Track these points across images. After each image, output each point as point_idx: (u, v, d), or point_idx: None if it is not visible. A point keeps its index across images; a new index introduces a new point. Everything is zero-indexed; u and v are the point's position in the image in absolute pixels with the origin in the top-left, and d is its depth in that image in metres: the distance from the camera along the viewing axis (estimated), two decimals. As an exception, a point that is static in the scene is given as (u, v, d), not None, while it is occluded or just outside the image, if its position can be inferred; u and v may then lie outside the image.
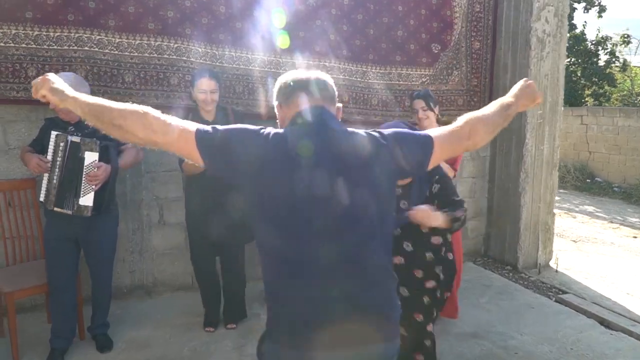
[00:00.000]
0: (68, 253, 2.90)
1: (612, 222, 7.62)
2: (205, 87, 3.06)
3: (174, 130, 1.34)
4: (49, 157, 2.70)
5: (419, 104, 3.34)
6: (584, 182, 10.16)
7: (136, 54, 3.48)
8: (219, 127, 1.39)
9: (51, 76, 1.36)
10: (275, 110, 1.53)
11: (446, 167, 3.33)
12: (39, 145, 2.86)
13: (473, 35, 4.55)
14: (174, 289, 3.92)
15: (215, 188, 3.03)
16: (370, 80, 4.23)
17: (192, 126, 1.37)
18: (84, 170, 2.67)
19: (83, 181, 2.67)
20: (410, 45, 4.30)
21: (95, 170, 2.68)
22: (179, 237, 3.91)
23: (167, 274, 3.91)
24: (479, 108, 4.71)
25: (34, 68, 3.25)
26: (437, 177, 2.43)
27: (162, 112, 1.36)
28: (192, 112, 3.26)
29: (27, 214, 3.22)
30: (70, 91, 1.34)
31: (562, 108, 4.68)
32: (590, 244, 5.98)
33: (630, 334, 3.28)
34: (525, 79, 1.77)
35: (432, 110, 3.34)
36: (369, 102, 4.24)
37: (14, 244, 3.18)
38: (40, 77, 1.34)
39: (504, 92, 4.54)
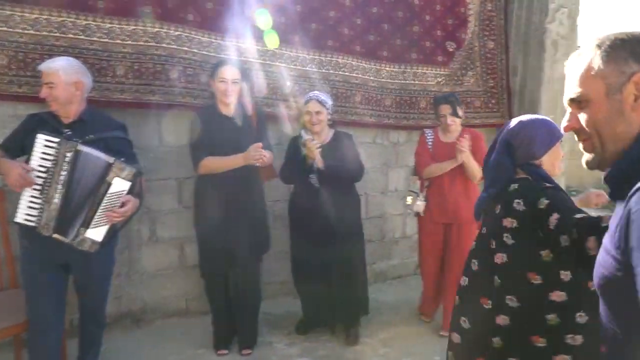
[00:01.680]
0: (55, 283, 2.34)
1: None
2: (227, 76, 2.69)
3: None
4: (33, 163, 2.11)
5: (446, 109, 3.19)
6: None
7: (130, 42, 2.93)
8: None
9: None
10: None
11: (473, 165, 3.08)
12: (17, 148, 2.27)
13: (486, 35, 4.30)
14: (166, 315, 3.40)
15: (234, 191, 2.75)
16: (383, 79, 3.87)
17: None
18: (106, 198, 2.12)
19: (100, 210, 2.12)
20: (426, 42, 3.99)
21: (121, 205, 2.15)
22: (172, 255, 3.38)
23: (158, 298, 3.37)
24: (497, 110, 4.50)
25: (5, 56, 2.63)
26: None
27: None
28: (202, 111, 2.81)
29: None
30: None
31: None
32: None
33: None
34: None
35: (458, 115, 3.20)
36: (382, 103, 3.89)
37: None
38: None
39: (513, 94, 4.40)
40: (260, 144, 2.62)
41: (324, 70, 3.57)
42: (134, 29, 2.93)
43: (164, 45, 3.01)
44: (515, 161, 1.67)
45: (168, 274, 3.39)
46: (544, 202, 1.49)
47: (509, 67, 4.36)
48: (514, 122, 1.74)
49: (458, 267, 3.31)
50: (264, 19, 3.30)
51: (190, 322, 3.34)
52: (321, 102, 2.96)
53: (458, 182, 3.21)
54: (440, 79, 4.12)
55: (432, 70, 4.07)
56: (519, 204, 1.56)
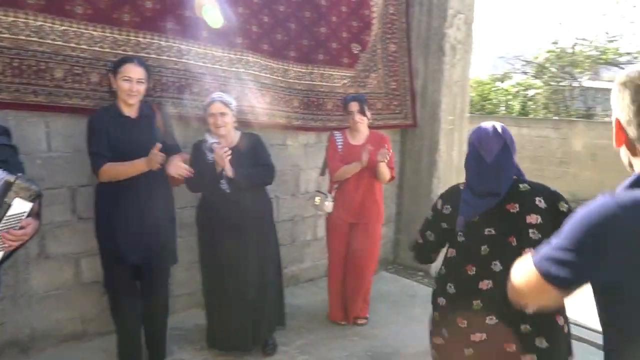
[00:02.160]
0: None
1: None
2: (132, 74, 2.50)
3: None
4: None
5: (355, 106, 3.29)
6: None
7: (7, 35, 2.57)
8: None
9: None
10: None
11: (385, 170, 3.20)
12: None
13: (388, 38, 4.40)
14: (59, 340, 3.05)
15: (139, 199, 2.56)
16: (291, 80, 3.80)
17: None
18: (4, 221, 1.76)
19: None
20: (332, 43, 3.98)
21: (19, 228, 1.80)
22: (67, 272, 3.04)
23: (50, 323, 3.01)
24: (400, 112, 4.63)
25: None
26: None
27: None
28: (101, 112, 2.57)
29: None
30: None
31: (468, 114, 4.81)
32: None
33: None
34: None
35: (365, 115, 3.32)
36: (291, 104, 3.82)
37: None
38: None
39: (415, 97, 4.56)
40: (159, 145, 2.41)
41: (233, 69, 3.42)
42: (14, 21, 2.58)
43: (48, 41, 2.69)
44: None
45: (61, 294, 3.04)
46: (564, 206, 1.68)
47: (411, 70, 4.50)
48: (492, 125, 1.77)
49: (362, 269, 3.41)
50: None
51: (88, 346, 3.04)
52: (225, 103, 2.78)
53: (365, 183, 3.32)
54: (345, 81, 4.14)
55: (338, 71, 4.08)
56: (540, 202, 1.68)
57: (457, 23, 4.36)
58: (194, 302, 3.47)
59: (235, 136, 2.89)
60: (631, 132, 1.01)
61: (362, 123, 3.32)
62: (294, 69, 3.81)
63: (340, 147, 3.34)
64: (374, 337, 3.31)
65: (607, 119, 13.63)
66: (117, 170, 2.49)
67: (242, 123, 3.18)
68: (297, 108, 3.88)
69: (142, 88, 2.55)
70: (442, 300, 1.84)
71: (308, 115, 3.94)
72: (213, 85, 3.27)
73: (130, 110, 2.58)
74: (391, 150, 3.24)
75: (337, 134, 3.40)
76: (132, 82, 2.49)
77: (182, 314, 3.41)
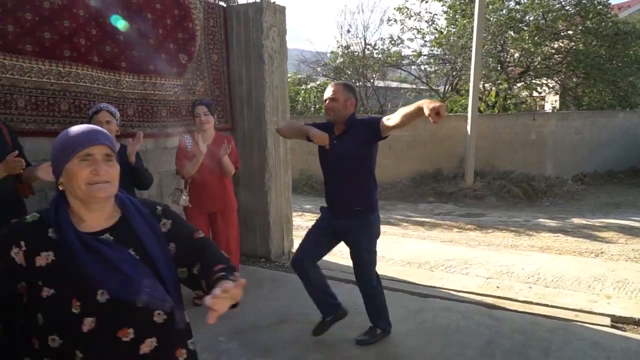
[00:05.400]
0: None
1: (295, 210, 9.12)
2: None
3: None
4: None
5: (202, 109, 3.69)
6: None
7: None
8: None
9: None
10: None
11: (229, 163, 3.65)
12: None
13: (211, 48, 4.77)
14: None
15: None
16: (124, 90, 3.93)
17: None
18: None
19: None
20: (162, 54, 4.20)
21: None
22: None
23: None
24: (223, 117, 5.08)
25: None
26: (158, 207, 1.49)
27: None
28: None
29: None
30: None
31: (289, 115, 5.43)
32: (295, 230, 7.10)
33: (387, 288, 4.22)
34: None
35: (212, 115, 3.75)
36: (125, 113, 3.94)
37: None
38: None
39: (241, 101, 5.04)
40: (16, 152, 2.57)
41: (63, 82, 3.45)
42: None
43: None
44: None
45: None
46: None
47: (230, 77, 4.96)
48: None
49: (230, 256, 3.79)
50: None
51: None
52: (111, 113, 3.10)
53: (215, 177, 3.75)
54: (176, 89, 4.40)
55: (169, 80, 4.32)
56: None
57: (272, 35, 4.94)
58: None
59: (117, 146, 3.07)
60: None
61: (209, 124, 3.71)
62: (127, 79, 3.94)
63: (189, 147, 3.68)
64: (234, 316, 3.68)
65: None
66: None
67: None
68: (132, 116, 4.03)
69: None
70: None
71: (144, 123, 4.11)
72: (40, 99, 3.32)
73: None
74: (232, 147, 3.72)
75: (187, 137, 3.77)
76: None
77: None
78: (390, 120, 2.86)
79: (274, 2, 4.95)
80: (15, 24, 3.16)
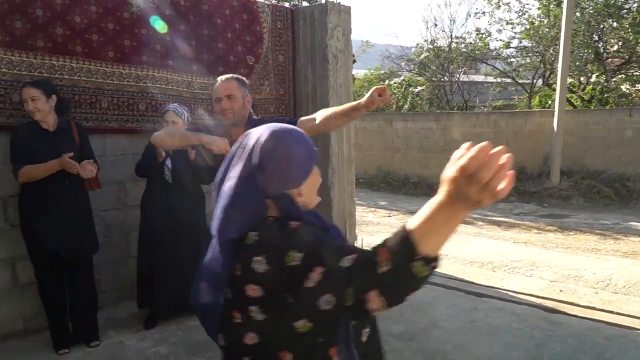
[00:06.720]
0: None
1: (369, 206, 9.24)
2: (25, 96, 2.92)
3: None
4: None
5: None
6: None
7: None
8: None
9: None
10: None
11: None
12: None
13: (277, 49, 5.02)
14: (1, 337, 3.30)
15: (57, 199, 2.97)
16: (195, 91, 4.29)
17: None
18: None
19: None
20: (230, 57, 4.52)
21: None
22: (4, 275, 3.33)
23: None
24: (286, 115, 5.31)
25: None
26: None
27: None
28: (22, 128, 3.01)
29: None
30: None
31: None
32: (365, 225, 7.22)
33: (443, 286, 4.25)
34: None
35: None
36: (197, 112, 4.30)
37: None
38: None
39: (307, 100, 5.25)
40: (70, 154, 2.89)
41: (141, 84, 3.86)
42: None
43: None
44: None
45: (0, 295, 3.30)
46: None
47: (295, 77, 5.17)
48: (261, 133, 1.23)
49: None
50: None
51: (29, 341, 3.31)
52: (177, 113, 3.40)
53: None
54: (245, 89, 4.70)
55: (238, 81, 4.62)
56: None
57: (336, 35, 5.08)
58: (125, 295, 3.85)
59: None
60: None
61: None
62: (197, 80, 4.30)
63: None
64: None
65: (480, 110, 15.38)
66: (32, 170, 2.90)
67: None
68: (203, 115, 4.38)
69: (40, 105, 2.91)
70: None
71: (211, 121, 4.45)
72: (121, 100, 3.73)
73: (46, 124, 2.99)
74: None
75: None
76: (27, 102, 2.89)
77: (113, 307, 3.77)
78: (315, 121, 2.40)
79: (339, 3, 5.10)
80: (99, 33, 3.59)
